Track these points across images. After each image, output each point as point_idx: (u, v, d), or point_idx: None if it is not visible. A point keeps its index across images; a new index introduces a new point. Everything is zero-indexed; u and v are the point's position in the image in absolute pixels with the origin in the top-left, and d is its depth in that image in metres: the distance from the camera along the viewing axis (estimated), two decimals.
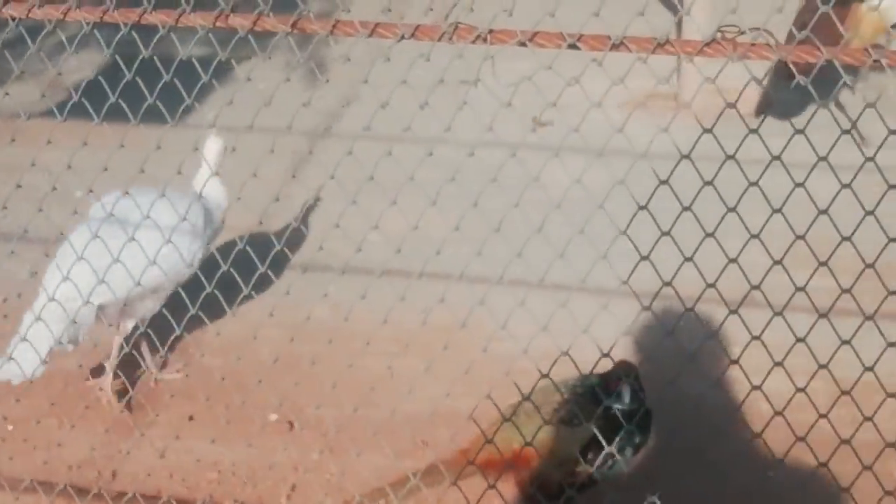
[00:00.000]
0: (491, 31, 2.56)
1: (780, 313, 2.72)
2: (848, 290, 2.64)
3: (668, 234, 2.67)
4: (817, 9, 5.34)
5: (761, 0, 2.92)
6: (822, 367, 2.64)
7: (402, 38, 2.61)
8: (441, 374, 4.16)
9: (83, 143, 3.20)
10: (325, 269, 4.71)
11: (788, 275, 2.73)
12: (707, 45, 2.43)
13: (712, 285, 2.69)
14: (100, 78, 3.13)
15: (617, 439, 3.37)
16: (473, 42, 2.58)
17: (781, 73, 5.33)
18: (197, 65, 2.94)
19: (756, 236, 2.68)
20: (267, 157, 5.22)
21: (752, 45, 2.43)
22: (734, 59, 2.41)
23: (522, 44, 2.54)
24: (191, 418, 4.22)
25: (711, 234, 2.67)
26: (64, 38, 3.03)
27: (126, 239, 3.42)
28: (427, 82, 3.47)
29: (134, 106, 3.08)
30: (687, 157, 2.60)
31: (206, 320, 4.28)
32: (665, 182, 2.62)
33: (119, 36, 2.79)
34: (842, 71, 2.44)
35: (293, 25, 2.61)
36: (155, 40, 2.83)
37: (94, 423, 4.20)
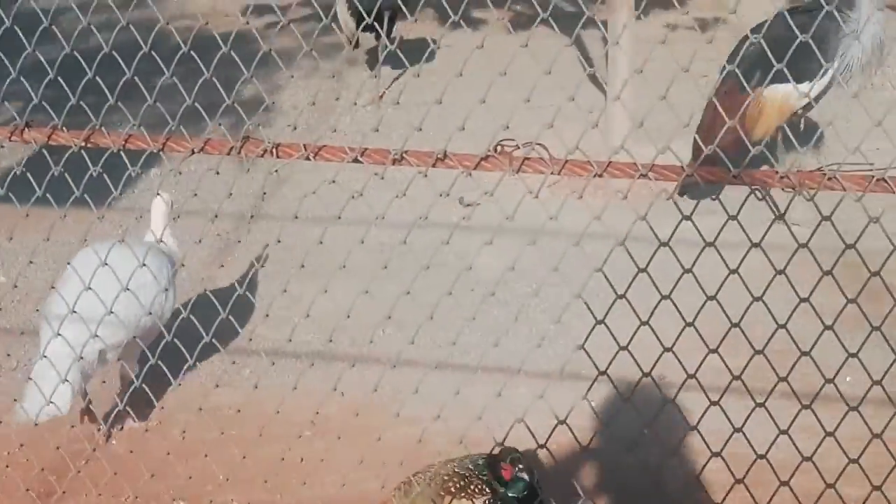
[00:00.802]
0: (278, 146, 2.62)
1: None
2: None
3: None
4: (725, 94, 5.42)
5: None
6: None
7: (193, 152, 2.69)
8: (340, 459, 4.10)
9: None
10: (228, 354, 4.65)
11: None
12: (484, 159, 2.50)
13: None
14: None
15: None
16: (261, 156, 2.63)
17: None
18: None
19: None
20: (192, 245, 5.16)
21: (527, 159, 2.49)
22: (510, 172, 2.47)
23: (308, 158, 2.60)
24: None
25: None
26: None
27: (121, 288, 3.49)
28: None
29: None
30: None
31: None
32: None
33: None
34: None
35: (86, 140, 2.74)
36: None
37: None
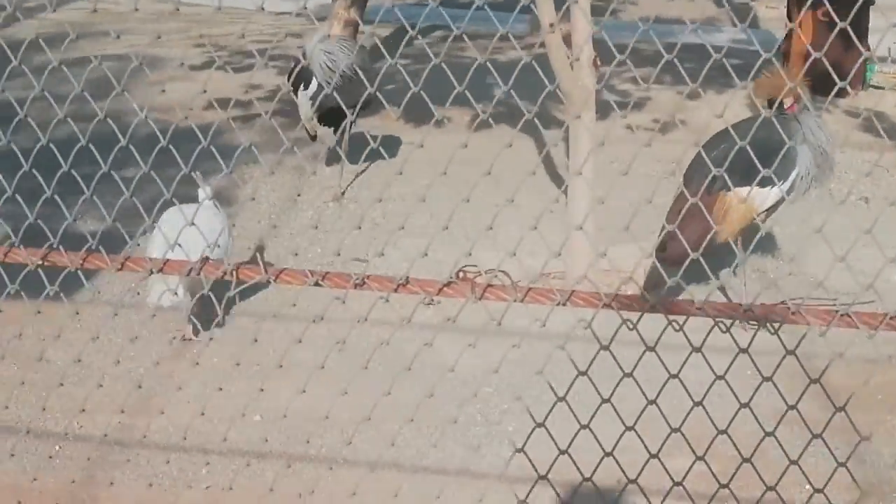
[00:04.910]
0: (238, 267, 2.63)
1: None
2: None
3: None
4: (691, 196, 5.49)
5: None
6: None
7: (151, 272, 2.70)
8: None
9: None
10: (193, 453, 4.53)
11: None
12: (446, 285, 2.49)
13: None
14: None
15: None
16: (221, 279, 2.66)
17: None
18: None
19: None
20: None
21: (490, 286, 2.48)
22: (473, 299, 2.45)
23: (268, 281, 2.61)
24: None
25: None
26: None
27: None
28: None
29: None
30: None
31: None
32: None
33: None
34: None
35: (43, 259, 2.74)
36: None
37: None
